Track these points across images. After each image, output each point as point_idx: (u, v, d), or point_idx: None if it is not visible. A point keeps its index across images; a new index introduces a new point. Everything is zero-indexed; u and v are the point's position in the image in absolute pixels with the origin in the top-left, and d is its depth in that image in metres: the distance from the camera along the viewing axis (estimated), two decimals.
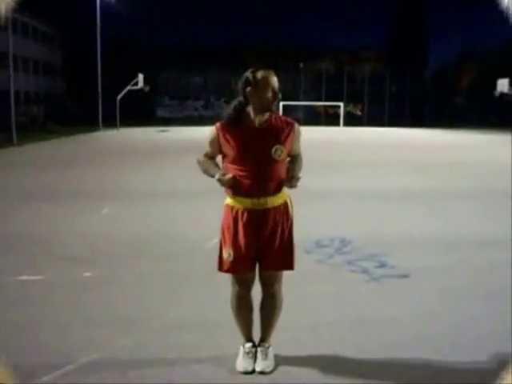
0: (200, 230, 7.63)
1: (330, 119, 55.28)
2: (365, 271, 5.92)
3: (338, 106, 51.54)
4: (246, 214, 3.48)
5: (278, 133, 3.48)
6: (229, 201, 3.55)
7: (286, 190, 3.57)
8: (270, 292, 3.71)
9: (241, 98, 3.48)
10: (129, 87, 43.37)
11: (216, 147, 3.54)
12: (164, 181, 13.44)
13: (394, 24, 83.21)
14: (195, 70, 62.07)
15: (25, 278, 5.58)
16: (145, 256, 6.47)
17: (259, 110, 3.45)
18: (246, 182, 3.43)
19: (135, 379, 3.52)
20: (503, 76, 40.56)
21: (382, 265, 6.16)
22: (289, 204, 3.62)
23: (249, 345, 3.73)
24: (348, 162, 18.21)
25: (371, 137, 33.95)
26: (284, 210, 3.57)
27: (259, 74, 3.43)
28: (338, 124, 49.86)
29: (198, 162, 3.66)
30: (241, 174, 3.43)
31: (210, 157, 3.63)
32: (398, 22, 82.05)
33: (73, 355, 3.81)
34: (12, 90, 26.68)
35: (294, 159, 3.66)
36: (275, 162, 3.46)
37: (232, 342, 3.88)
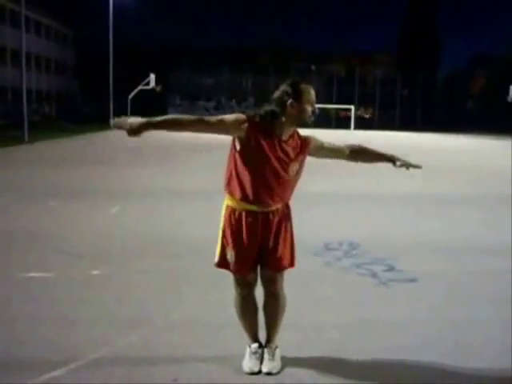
0: (208, 230, 7.62)
1: (341, 122, 55.21)
2: (373, 275, 5.90)
3: (349, 109, 51.45)
4: (249, 217, 3.43)
5: (299, 150, 3.45)
6: (230, 202, 3.47)
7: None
8: (272, 292, 3.67)
9: (274, 107, 3.34)
10: (140, 87, 43.55)
11: (229, 130, 3.30)
12: (174, 180, 13.46)
13: (406, 27, 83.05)
14: (207, 71, 62.21)
15: (32, 274, 5.60)
16: (152, 255, 6.47)
17: (294, 124, 3.38)
18: (257, 189, 3.36)
19: (140, 377, 3.51)
20: None
21: (390, 269, 6.14)
22: (288, 209, 3.63)
23: (255, 345, 3.71)
24: (357, 166, 18.14)
25: (381, 140, 33.84)
26: (286, 211, 3.58)
27: (302, 87, 3.33)
28: (348, 127, 49.79)
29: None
30: (253, 180, 3.35)
31: (203, 125, 3.32)
32: (410, 26, 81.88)
33: (79, 352, 3.81)
34: (24, 88, 26.82)
35: (356, 151, 3.80)
36: (288, 178, 3.44)
37: (238, 341, 3.87)
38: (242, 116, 3.35)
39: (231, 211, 3.47)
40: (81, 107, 54.60)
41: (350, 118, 51.88)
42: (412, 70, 63.88)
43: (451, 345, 4.15)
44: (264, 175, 3.35)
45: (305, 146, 3.48)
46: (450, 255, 6.85)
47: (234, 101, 64.20)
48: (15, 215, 8.76)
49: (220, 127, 3.32)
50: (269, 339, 3.75)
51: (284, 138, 3.38)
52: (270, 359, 3.64)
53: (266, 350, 3.70)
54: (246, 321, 3.71)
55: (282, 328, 3.82)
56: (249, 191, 3.36)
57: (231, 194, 3.44)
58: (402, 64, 72.14)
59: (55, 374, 3.53)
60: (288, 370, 3.65)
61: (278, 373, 3.58)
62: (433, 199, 11.35)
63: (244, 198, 3.38)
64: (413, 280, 5.75)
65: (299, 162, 3.46)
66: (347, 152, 3.73)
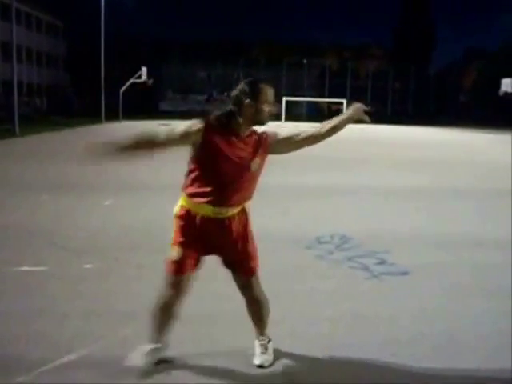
0: None
1: (333, 115, 55.24)
2: (365, 268, 5.94)
3: (341, 103, 51.48)
4: (203, 222, 3.34)
5: (258, 145, 3.38)
6: (185, 203, 3.39)
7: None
8: (252, 298, 3.62)
9: (232, 107, 3.30)
10: (132, 80, 43.38)
11: (187, 141, 3.29)
12: (168, 173, 13.42)
13: (399, 21, 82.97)
14: (199, 65, 62.07)
15: (25, 268, 5.60)
16: (146, 248, 6.48)
17: (251, 123, 3.33)
18: (216, 190, 3.28)
19: (135, 371, 3.53)
20: (507, 75, 40.50)
21: (382, 262, 6.18)
22: (246, 209, 3.52)
23: (151, 347, 3.59)
24: (348, 159, 18.22)
25: (371, 134, 33.90)
26: (243, 216, 3.48)
27: (260, 87, 3.28)
28: None
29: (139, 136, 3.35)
30: (213, 181, 3.29)
31: (163, 141, 3.34)
32: (403, 19, 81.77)
33: (72, 346, 3.83)
34: (15, 81, 26.66)
35: (315, 133, 3.53)
36: (251, 174, 3.38)
37: (233, 334, 3.89)
38: (196, 122, 3.28)
39: (185, 213, 3.38)
40: (72, 101, 54.34)
41: (341, 111, 51.90)
42: (405, 64, 64.00)
43: (444, 339, 4.18)
44: (223, 174, 3.27)
45: (263, 140, 3.41)
46: (443, 249, 6.89)
47: (225, 94, 64.05)
48: (8, 209, 8.74)
49: (183, 140, 3.29)
50: (260, 333, 3.75)
51: (243, 135, 3.33)
52: (262, 353, 3.66)
53: (258, 343, 3.72)
54: (156, 324, 3.58)
55: (274, 322, 3.84)
56: (209, 192, 3.28)
57: (189, 195, 3.36)
58: (395, 58, 72.18)
59: (49, 367, 3.55)
60: (280, 363, 3.68)
61: (270, 366, 3.61)
62: (427, 193, 11.40)
63: (201, 198, 3.31)
64: (405, 273, 5.79)
65: (260, 157, 3.39)
66: (318, 134, 3.55)
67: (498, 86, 41.74)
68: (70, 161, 15.60)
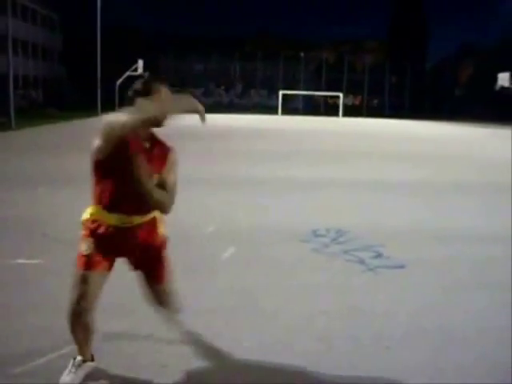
0: (198, 217, 7.66)
1: (330, 109, 55.25)
2: (361, 261, 5.95)
3: (338, 97, 51.48)
4: (109, 231, 3.14)
5: (159, 158, 3.13)
6: (90, 215, 3.18)
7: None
8: (167, 303, 3.47)
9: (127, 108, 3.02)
10: (128, 73, 43.25)
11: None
12: None
13: (395, 15, 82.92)
14: (195, 58, 61.95)
15: (21, 261, 5.60)
16: None
17: (146, 124, 3.01)
18: (120, 198, 3.08)
19: (129, 363, 3.54)
20: (503, 70, 40.51)
21: (378, 255, 6.20)
22: (158, 219, 3.29)
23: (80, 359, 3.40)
24: (345, 153, 18.22)
25: (369, 128, 33.95)
26: (152, 225, 3.27)
27: (154, 85, 3.04)
28: (337, 114, 49.83)
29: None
30: (116, 188, 3.07)
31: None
32: (398, 13, 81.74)
33: (68, 339, 3.83)
34: (11, 74, 26.56)
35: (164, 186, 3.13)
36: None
37: (225, 326, 3.91)
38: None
39: (90, 224, 3.19)
40: (68, 93, 54.19)
41: (338, 105, 51.87)
42: (401, 58, 63.99)
43: (439, 333, 4.20)
44: (127, 182, 3.01)
45: (168, 156, 3.18)
46: (442, 243, 6.91)
47: (222, 87, 64.05)
48: (5, 203, 8.72)
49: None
50: None
51: (146, 144, 3.08)
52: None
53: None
54: (75, 337, 3.33)
55: (269, 315, 3.85)
56: (112, 201, 3.09)
57: (95, 202, 3.16)
58: (392, 51, 72.18)
59: (43, 360, 3.57)
60: (275, 358, 3.69)
61: None
62: (426, 187, 11.42)
63: (106, 207, 3.11)
64: (401, 267, 5.81)
65: (159, 172, 3.12)
66: (163, 184, 3.14)
67: (495, 80, 41.75)
68: (67, 154, 15.59)
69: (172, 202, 3.14)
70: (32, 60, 54.39)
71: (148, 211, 3.19)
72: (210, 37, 65.60)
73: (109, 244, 3.17)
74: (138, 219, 3.17)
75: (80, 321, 3.22)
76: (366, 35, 70.57)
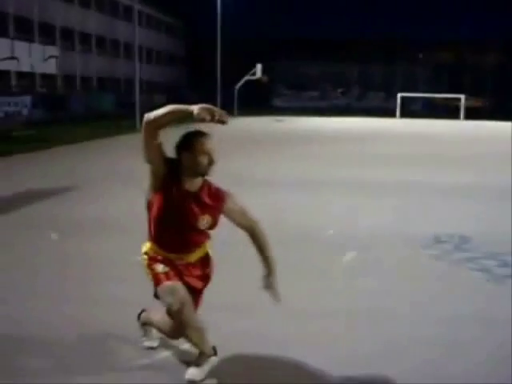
0: (319, 220, 7.70)
1: (450, 112, 53.32)
2: (485, 270, 5.76)
3: (459, 99, 49.55)
4: (169, 262, 3.36)
5: (209, 202, 3.32)
6: (148, 251, 3.42)
7: (206, 244, 3.48)
8: None
9: (175, 158, 3.32)
10: (247, 77, 44.11)
11: (157, 158, 3.37)
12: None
13: None
14: (312, 61, 62.07)
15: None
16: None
17: (193, 174, 3.27)
18: (167, 241, 3.34)
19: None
20: None
21: (504, 264, 5.96)
22: (210, 255, 3.52)
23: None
24: (472, 158, 17.54)
25: (494, 132, 32.39)
26: (205, 261, 3.48)
27: (194, 139, 3.29)
28: (457, 117, 47.99)
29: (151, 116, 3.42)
30: (164, 232, 3.32)
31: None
32: None
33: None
34: (137, 79, 27.92)
35: (255, 236, 3.45)
36: (200, 231, 3.36)
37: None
38: (166, 156, 3.33)
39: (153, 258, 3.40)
40: (189, 98, 56.09)
41: (459, 107, 49.92)
42: None
43: None
44: (171, 227, 3.29)
45: (218, 201, 3.35)
46: None
47: (338, 91, 63.71)
48: (113, 200, 9.14)
49: (156, 148, 3.41)
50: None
51: (189, 188, 3.29)
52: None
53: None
54: (196, 330, 3.40)
55: (394, 320, 3.80)
56: (162, 239, 3.34)
57: (149, 239, 3.43)
58: None
59: (167, 354, 3.76)
60: (394, 365, 3.66)
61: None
62: None
63: (159, 245, 3.37)
64: None
65: (212, 216, 3.33)
66: (249, 230, 3.47)
67: None
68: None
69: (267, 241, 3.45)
70: (156, 66, 56.90)
71: (195, 249, 3.41)
72: (325, 39, 65.27)
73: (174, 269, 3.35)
74: (187, 257, 3.39)
75: (186, 323, 3.29)
76: (486, 35, 66.99)
